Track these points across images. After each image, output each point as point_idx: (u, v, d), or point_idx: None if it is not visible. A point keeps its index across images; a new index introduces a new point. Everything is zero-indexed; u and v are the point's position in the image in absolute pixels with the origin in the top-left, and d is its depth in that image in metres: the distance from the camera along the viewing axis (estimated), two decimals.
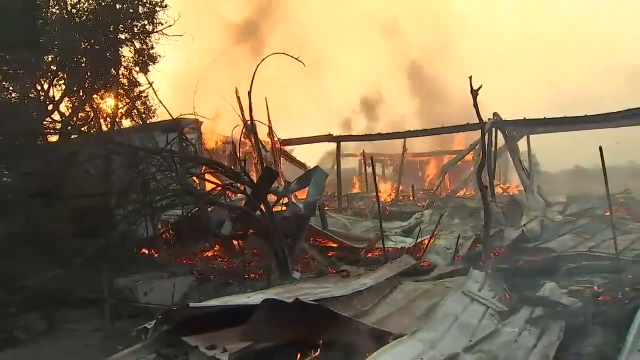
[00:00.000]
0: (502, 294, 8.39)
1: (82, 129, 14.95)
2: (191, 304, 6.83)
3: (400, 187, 30.81)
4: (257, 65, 17.95)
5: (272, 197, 13.55)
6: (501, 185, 31.93)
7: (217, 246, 13.89)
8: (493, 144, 25.08)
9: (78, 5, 14.90)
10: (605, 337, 6.73)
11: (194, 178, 13.86)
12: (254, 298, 6.84)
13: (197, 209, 13.09)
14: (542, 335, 6.63)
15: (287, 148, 32.07)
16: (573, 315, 7.32)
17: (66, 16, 14.61)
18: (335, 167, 29.85)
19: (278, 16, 42.56)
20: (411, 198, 29.69)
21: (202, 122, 17.95)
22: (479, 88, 11.17)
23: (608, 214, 12.89)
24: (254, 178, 13.68)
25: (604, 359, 6.19)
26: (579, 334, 6.91)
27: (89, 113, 15.59)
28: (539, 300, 7.80)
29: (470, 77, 11.22)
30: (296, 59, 17.52)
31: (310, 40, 44.47)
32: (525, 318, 7.11)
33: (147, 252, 13.04)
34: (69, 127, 14.49)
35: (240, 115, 20.09)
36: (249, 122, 19.56)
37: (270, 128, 25.65)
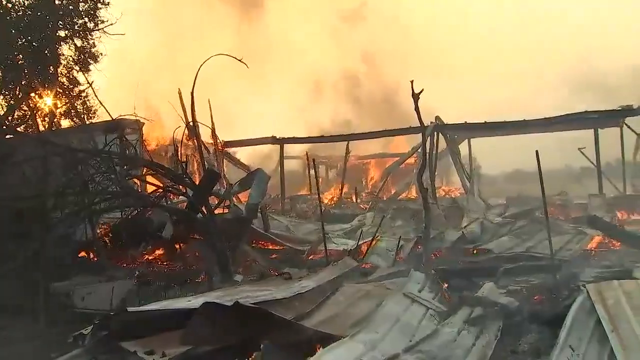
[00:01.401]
0: (442, 295, 8.51)
1: (18, 128, 14.50)
2: (130, 309, 6.71)
3: (344, 190, 30.95)
4: (200, 67, 17.81)
5: (214, 199, 13.41)
6: (443, 188, 32.45)
7: (158, 249, 13.68)
8: (435, 147, 25.52)
9: (14, 0, 14.44)
10: (541, 334, 6.91)
11: (135, 180, 13.62)
12: (194, 302, 6.77)
13: (137, 211, 12.88)
14: (480, 335, 6.76)
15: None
16: (510, 314, 7.48)
17: (1, 11, 14.15)
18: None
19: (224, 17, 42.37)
20: (354, 200, 29.86)
21: (143, 124, 17.68)
22: (420, 92, 11.36)
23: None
24: (197, 180, 13.54)
25: (539, 356, 6.36)
26: (516, 332, 7.09)
27: (26, 112, 15.13)
28: (478, 300, 7.95)
29: (412, 82, 11.40)
30: (239, 60, 17.46)
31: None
32: (464, 318, 7.24)
33: (85, 255, 12.73)
34: (4, 127, 14.04)
35: (183, 117, 19.93)
36: (191, 123, 19.42)
37: (213, 130, 25.49)
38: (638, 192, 26.54)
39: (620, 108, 24.80)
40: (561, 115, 25.01)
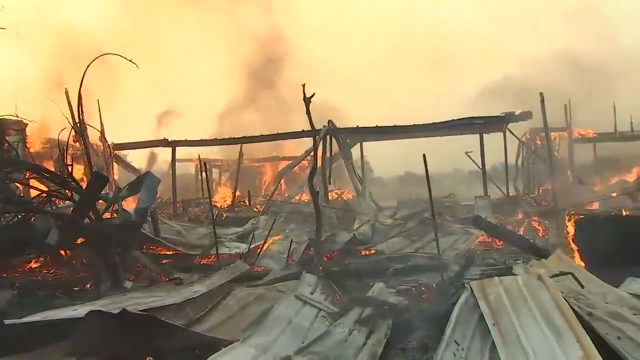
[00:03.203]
0: (334, 296, 8.62)
1: None
2: (7, 321, 6.36)
3: (237, 193, 30.78)
4: (88, 66, 17.22)
5: (102, 204, 12.97)
6: (336, 191, 32.92)
7: (42, 257, 13.08)
8: (328, 151, 25.89)
9: None
10: (429, 331, 7.12)
11: (17, 184, 12.97)
12: (80, 310, 6.53)
13: (19, 217, 12.28)
14: (371, 334, 6.88)
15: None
16: (400, 313, 7.68)
17: None
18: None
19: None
20: (248, 203, 29.79)
21: (27, 124, 16.89)
22: (312, 96, 11.49)
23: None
24: (85, 184, 13.07)
25: (426, 352, 6.56)
26: (405, 330, 7.27)
27: None
28: (368, 300, 8.10)
29: (304, 85, 11.51)
30: (130, 60, 17.00)
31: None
32: (355, 318, 7.34)
33: None
34: None
35: (70, 118, 19.17)
36: (78, 124, 18.70)
37: (102, 132, 24.69)
38: (519, 194, 28.10)
39: (503, 114, 26.10)
40: (448, 121, 26.07)
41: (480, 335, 6.19)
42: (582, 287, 7.57)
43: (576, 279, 7.76)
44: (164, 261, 13.51)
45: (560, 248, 12.02)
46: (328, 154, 26.24)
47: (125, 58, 16.82)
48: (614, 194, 22.85)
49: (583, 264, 10.56)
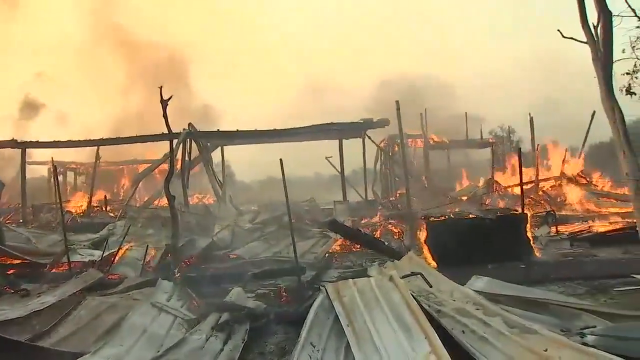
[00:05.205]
0: (191, 303, 8.51)
1: None
2: None
3: (95, 198, 29.60)
4: None
5: None
6: (197, 195, 32.51)
7: None
8: (187, 154, 25.54)
9: None
10: (287, 334, 7.20)
11: None
12: None
13: None
14: (228, 339, 6.86)
15: None
16: (257, 317, 7.71)
17: None
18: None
19: None
20: (104, 208, 28.74)
21: None
22: (169, 99, 11.32)
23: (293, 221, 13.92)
24: None
25: (284, 354, 6.67)
26: (263, 334, 7.32)
27: None
28: (226, 305, 8.07)
29: (161, 88, 11.33)
30: None
31: None
32: (212, 324, 7.29)
33: None
34: None
35: None
36: None
37: None
38: (378, 198, 29.09)
39: (361, 121, 26.91)
40: (307, 126, 26.48)
41: (336, 336, 6.32)
42: (430, 286, 7.94)
43: (425, 278, 8.12)
44: (9, 271, 12.80)
45: (413, 249, 12.57)
46: (188, 158, 25.88)
47: None
48: (465, 198, 24.25)
49: (434, 264, 11.13)
